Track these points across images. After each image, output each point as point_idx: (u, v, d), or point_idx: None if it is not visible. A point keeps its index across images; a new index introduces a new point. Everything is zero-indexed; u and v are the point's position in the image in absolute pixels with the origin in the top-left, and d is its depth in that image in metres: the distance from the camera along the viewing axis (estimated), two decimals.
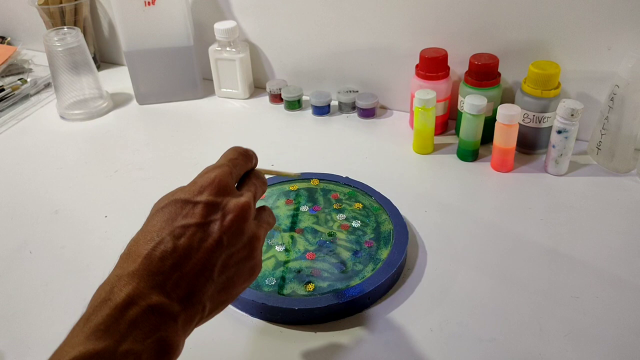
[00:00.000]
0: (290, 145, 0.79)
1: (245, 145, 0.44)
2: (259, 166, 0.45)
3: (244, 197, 0.39)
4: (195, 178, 0.40)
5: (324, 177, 0.66)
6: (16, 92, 0.94)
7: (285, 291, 0.52)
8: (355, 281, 0.53)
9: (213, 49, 0.87)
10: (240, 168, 0.42)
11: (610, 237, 0.59)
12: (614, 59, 0.67)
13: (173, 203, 0.38)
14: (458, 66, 0.76)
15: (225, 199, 0.38)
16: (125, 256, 0.36)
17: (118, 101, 0.92)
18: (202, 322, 0.38)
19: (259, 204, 0.50)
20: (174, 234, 0.36)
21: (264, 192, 0.44)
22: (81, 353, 0.31)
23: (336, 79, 0.87)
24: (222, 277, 0.38)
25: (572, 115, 0.64)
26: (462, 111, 0.72)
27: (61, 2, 0.95)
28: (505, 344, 0.48)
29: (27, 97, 0.95)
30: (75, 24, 0.97)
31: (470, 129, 0.70)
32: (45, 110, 0.92)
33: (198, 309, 0.36)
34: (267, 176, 0.46)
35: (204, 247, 0.36)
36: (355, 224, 0.60)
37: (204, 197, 0.38)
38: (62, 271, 0.59)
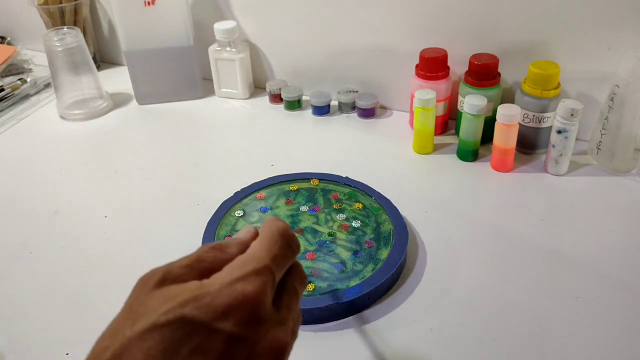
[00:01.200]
0: (290, 145, 0.79)
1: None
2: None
3: (283, 333, 0.28)
4: (222, 277, 0.28)
5: (324, 177, 0.66)
6: (16, 92, 0.94)
7: None
8: (355, 281, 0.53)
9: (213, 49, 0.87)
10: (284, 269, 0.31)
11: (610, 237, 0.59)
12: (614, 59, 0.67)
13: (180, 323, 0.25)
14: (458, 66, 0.76)
15: (257, 332, 0.27)
16: None
17: (118, 101, 0.92)
18: None
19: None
20: None
21: (303, 291, 0.33)
22: None
23: (336, 79, 0.87)
24: None
25: (572, 115, 0.64)
26: (462, 111, 0.72)
27: (61, 2, 0.95)
28: (505, 344, 0.48)
29: (27, 97, 0.95)
30: (75, 24, 0.97)
31: (470, 129, 0.70)
32: (45, 110, 0.92)
33: None
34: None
35: None
36: (355, 224, 0.60)
37: (228, 326, 0.26)
38: (62, 271, 0.59)
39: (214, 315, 0.26)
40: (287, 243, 0.31)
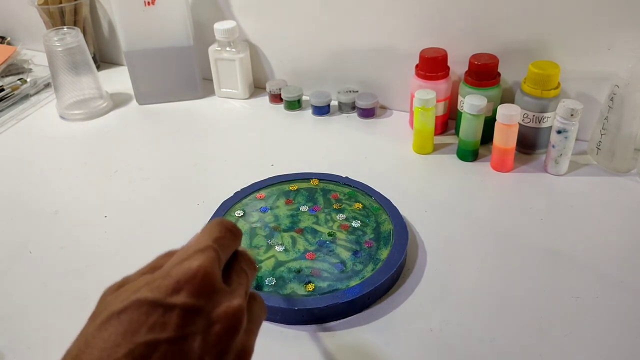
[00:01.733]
0: (290, 145, 0.79)
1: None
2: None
3: (237, 299, 0.29)
4: (169, 263, 0.29)
5: (323, 177, 0.66)
6: (16, 92, 0.94)
7: (285, 291, 0.52)
8: (355, 281, 0.53)
9: (213, 49, 0.87)
10: (228, 250, 0.32)
11: (610, 237, 0.59)
12: (614, 59, 0.67)
13: (135, 305, 0.27)
14: (458, 66, 0.76)
15: (211, 302, 0.28)
16: None
17: (118, 101, 0.92)
18: None
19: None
20: (134, 355, 0.25)
21: (254, 279, 0.34)
22: None
23: (336, 79, 0.87)
24: None
25: (571, 115, 0.64)
26: (462, 111, 0.72)
27: (61, 2, 0.95)
28: (505, 344, 0.48)
29: (27, 97, 0.95)
30: (75, 24, 0.97)
31: (470, 129, 0.70)
32: (45, 110, 0.92)
33: None
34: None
35: None
36: (355, 224, 0.60)
37: (181, 299, 0.27)
38: (62, 271, 0.59)
39: (165, 292, 0.27)
40: (226, 228, 0.32)
